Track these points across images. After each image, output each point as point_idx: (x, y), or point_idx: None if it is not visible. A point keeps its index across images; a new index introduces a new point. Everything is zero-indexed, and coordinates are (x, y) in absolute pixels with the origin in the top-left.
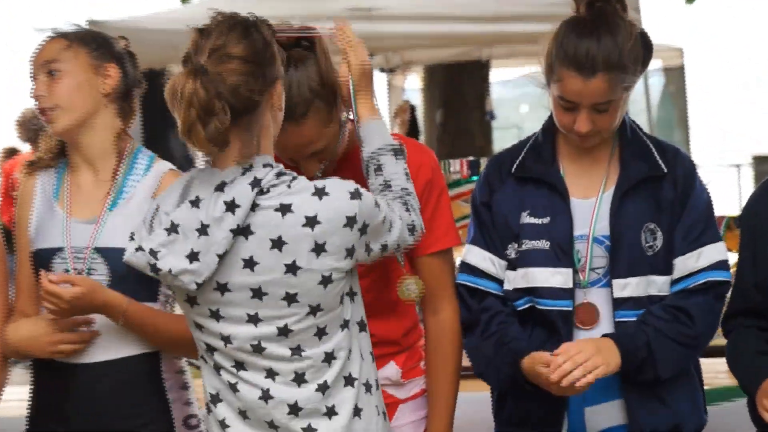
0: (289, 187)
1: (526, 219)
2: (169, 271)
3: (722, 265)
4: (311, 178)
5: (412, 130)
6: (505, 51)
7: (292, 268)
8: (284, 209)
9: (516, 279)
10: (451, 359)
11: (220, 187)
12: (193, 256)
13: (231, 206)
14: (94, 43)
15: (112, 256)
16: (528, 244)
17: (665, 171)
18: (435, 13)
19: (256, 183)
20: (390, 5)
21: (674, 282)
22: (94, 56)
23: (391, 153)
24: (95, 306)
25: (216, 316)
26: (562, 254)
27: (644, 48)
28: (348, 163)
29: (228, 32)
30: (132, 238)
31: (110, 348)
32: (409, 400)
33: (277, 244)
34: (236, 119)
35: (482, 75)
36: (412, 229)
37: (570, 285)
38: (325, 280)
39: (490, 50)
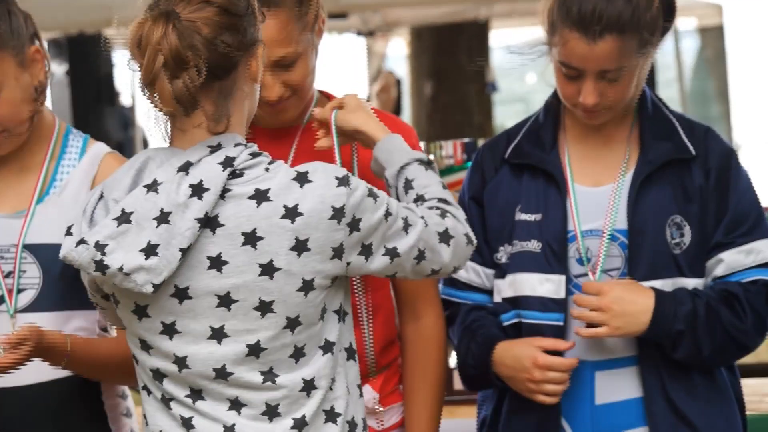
0: (267, 170)
1: (519, 215)
2: (120, 268)
3: None
4: (272, 102)
5: (396, 108)
6: (507, 9)
7: (268, 270)
8: (260, 197)
9: (504, 288)
10: (433, 372)
11: (185, 168)
12: (149, 250)
13: (198, 190)
14: (7, 31)
15: (44, 254)
16: (518, 246)
17: (694, 153)
18: None
19: (227, 162)
20: None
21: (717, 279)
22: (15, 51)
23: (418, 165)
24: (36, 355)
25: (170, 331)
26: (554, 258)
27: (665, 8)
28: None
29: None
30: (69, 232)
31: (41, 367)
32: (388, 431)
33: (251, 239)
34: (207, 83)
35: (480, 38)
36: (445, 236)
37: (562, 295)
38: (306, 286)
39: (490, 8)
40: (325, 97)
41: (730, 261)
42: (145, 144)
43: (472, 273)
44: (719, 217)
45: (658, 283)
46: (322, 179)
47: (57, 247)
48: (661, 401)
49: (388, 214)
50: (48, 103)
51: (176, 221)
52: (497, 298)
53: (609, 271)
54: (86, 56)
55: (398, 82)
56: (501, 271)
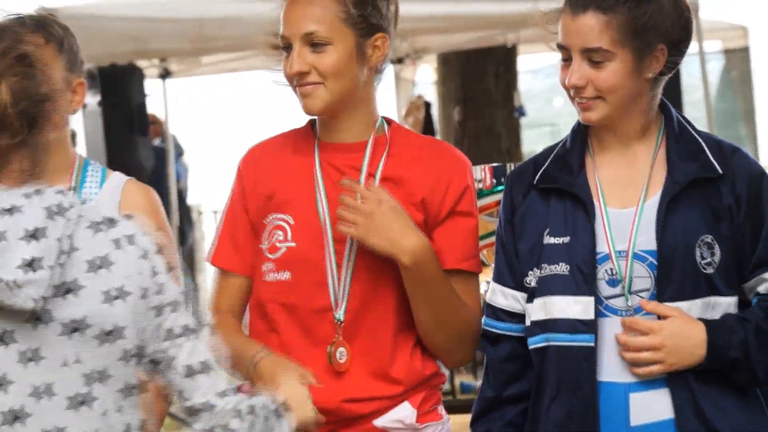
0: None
1: (548, 239)
2: (14, 280)
3: None
4: (289, 75)
5: (427, 131)
6: (534, 34)
7: (109, 297)
8: (106, 224)
9: (534, 311)
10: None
11: (29, 194)
12: (30, 265)
13: (51, 213)
14: (68, 50)
15: None
16: (547, 269)
17: (720, 172)
18: None
19: (63, 192)
20: None
21: (760, 296)
22: (67, 67)
23: None
24: None
25: (29, 358)
26: (582, 279)
27: (676, 26)
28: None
29: (18, 30)
30: None
31: None
32: None
33: (99, 265)
34: (25, 134)
35: (508, 63)
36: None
37: (591, 316)
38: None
39: (517, 34)
40: (387, 122)
41: None
42: (178, 174)
43: (512, 299)
44: (754, 237)
45: (685, 304)
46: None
47: None
48: (693, 419)
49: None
50: (81, 132)
51: (42, 239)
52: (527, 322)
53: (638, 292)
54: (118, 87)
55: (427, 105)
56: (530, 295)
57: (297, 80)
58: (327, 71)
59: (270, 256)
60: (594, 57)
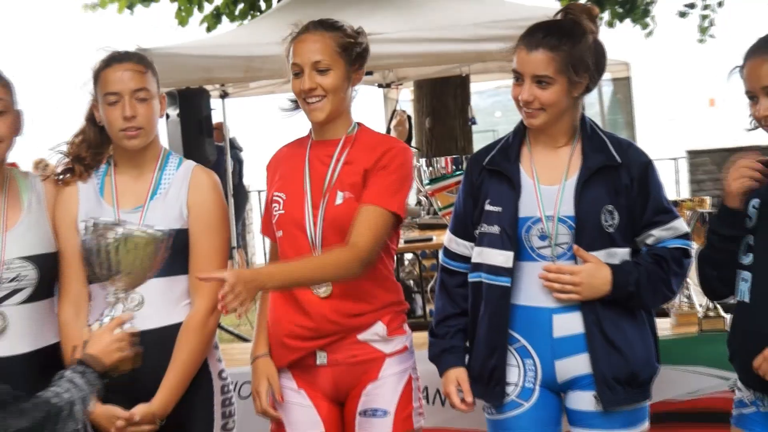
0: None
1: (487, 206)
2: None
3: (688, 236)
4: (305, 90)
5: (407, 136)
6: (481, 67)
7: None
8: None
9: (475, 255)
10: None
11: None
12: None
13: None
14: (156, 74)
15: None
16: (484, 228)
17: (619, 161)
18: (423, 36)
19: None
20: (385, 30)
21: (647, 245)
22: (157, 85)
23: None
24: None
25: None
26: (507, 239)
27: (595, 62)
28: (356, 143)
29: None
30: None
31: (157, 317)
32: (394, 354)
33: None
34: None
35: (463, 87)
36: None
37: (510, 265)
38: None
39: (469, 67)
40: (358, 125)
41: (658, 236)
42: (236, 165)
43: (462, 247)
44: (643, 207)
45: (595, 253)
46: None
47: (165, 231)
48: (597, 333)
49: None
50: (165, 136)
51: None
52: (472, 261)
53: (561, 244)
54: (191, 103)
55: (409, 118)
56: (476, 243)
57: (306, 95)
58: (329, 88)
59: (273, 221)
60: (541, 81)
